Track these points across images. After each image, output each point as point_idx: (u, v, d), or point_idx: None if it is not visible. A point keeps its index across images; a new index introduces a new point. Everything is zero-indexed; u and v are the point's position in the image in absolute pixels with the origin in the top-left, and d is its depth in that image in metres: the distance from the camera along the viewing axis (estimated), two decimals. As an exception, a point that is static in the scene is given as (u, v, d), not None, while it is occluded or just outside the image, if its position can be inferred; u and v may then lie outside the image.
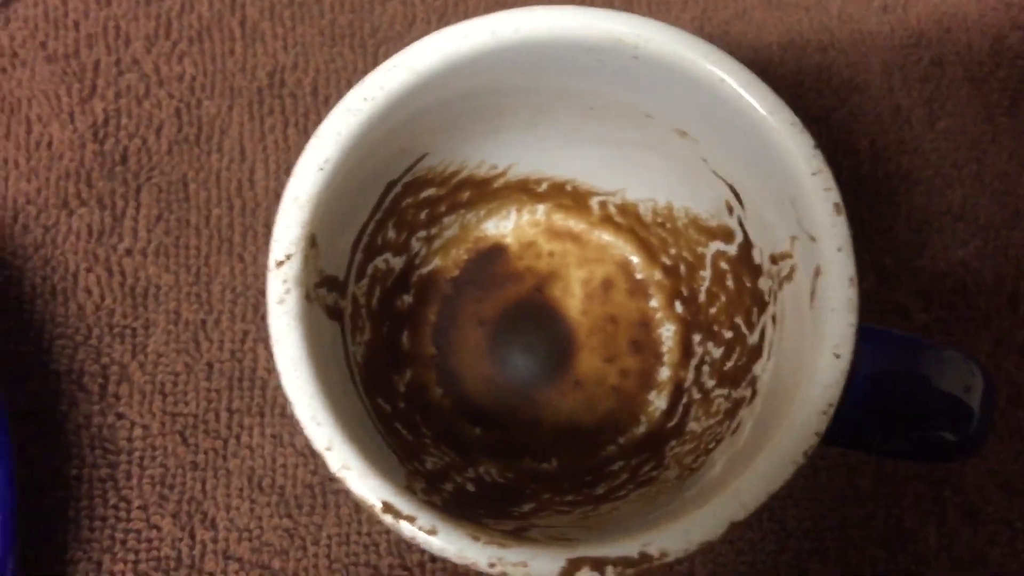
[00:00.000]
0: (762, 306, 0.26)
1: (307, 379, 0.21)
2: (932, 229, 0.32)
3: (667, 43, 0.22)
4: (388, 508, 0.20)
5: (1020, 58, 0.34)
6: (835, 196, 0.22)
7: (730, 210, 0.26)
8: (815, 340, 0.22)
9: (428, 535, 0.20)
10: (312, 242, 0.22)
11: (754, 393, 0.25)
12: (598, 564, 0.20)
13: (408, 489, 0.21)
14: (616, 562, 0.20)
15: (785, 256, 0.24)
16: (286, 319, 0.21)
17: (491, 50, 0.23)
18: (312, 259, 0.22)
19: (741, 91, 0.22)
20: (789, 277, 0.24)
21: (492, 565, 0.20)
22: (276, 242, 0.22)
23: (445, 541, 0.20)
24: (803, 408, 0.21)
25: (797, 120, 0.22)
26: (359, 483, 0.20)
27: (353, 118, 0.22)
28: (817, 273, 0.22)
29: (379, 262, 0.28)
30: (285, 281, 0.21)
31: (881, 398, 0.23)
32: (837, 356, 0.21)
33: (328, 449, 0.20)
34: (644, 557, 0.20)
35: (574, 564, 0.20)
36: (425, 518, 0.20)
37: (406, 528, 0.20)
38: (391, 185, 0.26)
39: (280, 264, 0.21)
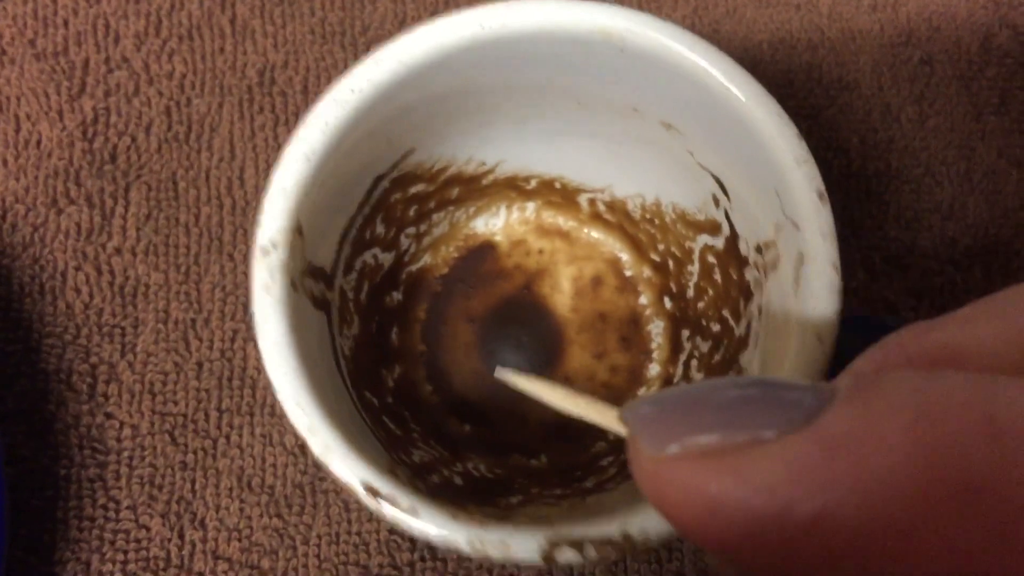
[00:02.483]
0: (748, 297, 0.26)
1: (290, 363, 0.21)
2: (921, 227, 0.33)
3: (652, 35, 0.23)
4: (370, 489, 0.20)
5: (1008, 57, 0.34)
6: (819, 184, 0.22)
7: (716, 203, 0.26)
8: (800, 326, 0.22)
9: (409, 515, 0.20)
10: (299, 231, 0.22)
11: (741, 384, 0.25)
12: (578, 544, 0.20)
13: (391, 472, 0.21)
14: (596, 541, 0.20)
15: (770, 245, 0.24)
16: (270, 302, 0.21)
17: (478, 42, 0.23)
18: (299, 248, 0.22)
19: (725, 81, 0.22)
20: (774, 266, 0.24)
21: (472, 545, 0.20)
22: (261, 228, 0.22)
23: (426, 521, 0.20)
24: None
25: (781, 109, 0.22)
26: (340, 464, 0.20)
27: (340, 109, 0.22)
28: (801, 260, 0.22)
29: (368, 257, 0.28)
30: (271, 268, 0.21)
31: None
32: (820, 340, 0.21)
33: (310, 431, 0.20)
34: (626, 538, 0.20)
35: (554, 543, 0.20)
36: (406, 499, 0.20)
37: (387, 509, 0.20)
38: (379, 179, 0.26)
39: (266, 252, 0.21)
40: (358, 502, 0.20)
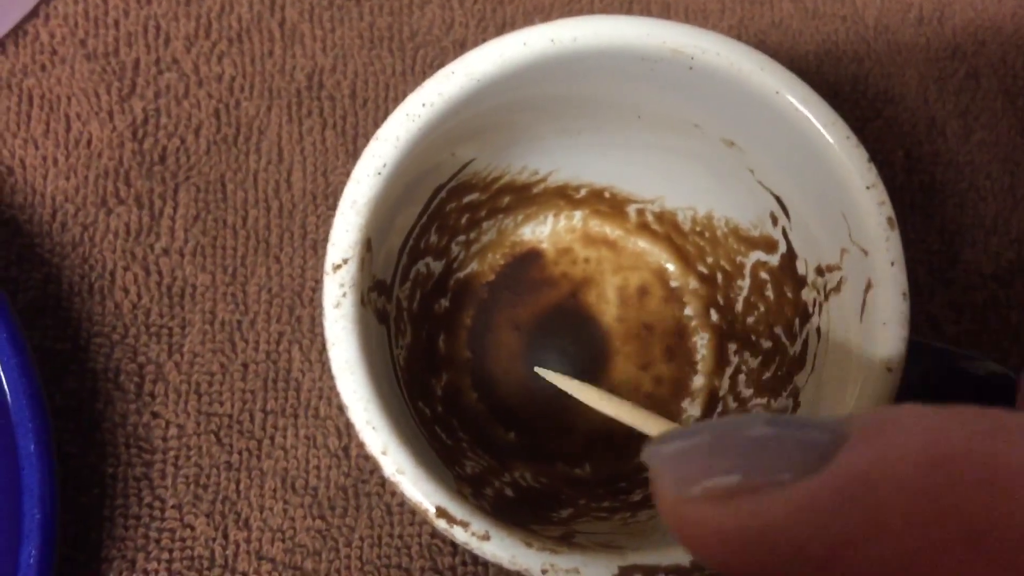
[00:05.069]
0: (805, 317, 0.26)
1: (362, 383, 0.21)
2: (965, 242, 0.33)
3: (724, 54, 0.23)
4: (442, 513, 0.20)
5: (1054, 72, 0.34)
6: (888, 210, 0.22)
7: (774, 221, 0.26)
8: (865, 354, 0.22)
9: (481, 541, 0.20)
10: (368, 246, 0.22)
11: (796, 404, 0.25)
12: (650, 572, 0.20)
13: (459, 494, 0.21)
14: (668, 570, 0.20)
15: (833, 268, 0.24)
16: (342, 323, 0.21)
17: (549, 57, 0.23)
18: (367, 263, 0.22)
19: (797, 104, 0.22)
20: (837, 289, 0.24)
21: (544, 572, 0.20)
22: (333, 246, 0.22)
23: (498, 547, 0.20)
24: (853, 421, 0.21)
25: (852, 133, 0.22)
26: (413, 488, 0.20)
27: (412, 123, 0.22)
28: (868, 287, 0.22)
29: (421, 266, 0.28)
30: (342, 285, 0.21)
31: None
32: (889, 370, 0.21)
33: (383, 453, 0.20)
34: (696, 566, 0.20)
35: (626, 572, 0.20)
36: (478, 523, 0.20)
37: (459, 533, 0.20)
38: (439, 189, 0.27)
39: (337, 268, 0.21)
40: (427, 522, 0.21)
